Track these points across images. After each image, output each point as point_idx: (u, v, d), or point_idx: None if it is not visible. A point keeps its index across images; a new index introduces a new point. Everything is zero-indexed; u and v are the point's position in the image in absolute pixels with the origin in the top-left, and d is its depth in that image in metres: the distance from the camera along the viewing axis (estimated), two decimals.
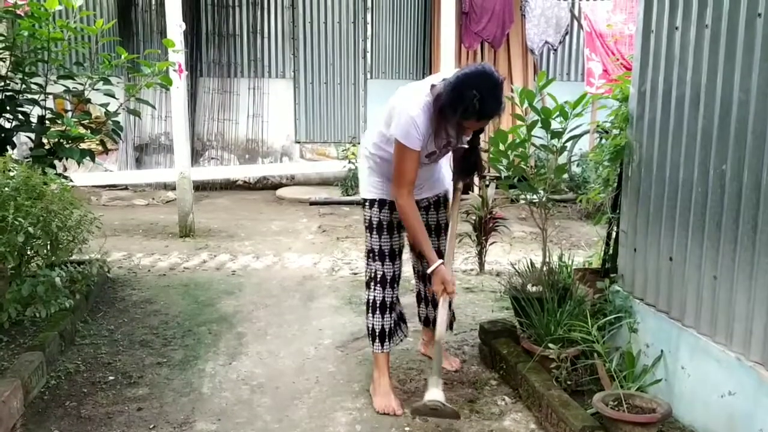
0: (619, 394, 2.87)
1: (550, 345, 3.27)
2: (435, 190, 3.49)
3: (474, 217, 5.41)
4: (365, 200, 3.37)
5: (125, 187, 9.33)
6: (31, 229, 3.55)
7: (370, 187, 3.35)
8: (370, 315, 3.37)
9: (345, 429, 3.07)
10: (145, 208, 8.54)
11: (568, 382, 3.18)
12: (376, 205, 3.32)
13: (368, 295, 3.39)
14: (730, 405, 2.64)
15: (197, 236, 6.88)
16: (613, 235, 3.67)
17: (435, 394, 2.97)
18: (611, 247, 3.70)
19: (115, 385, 3.48)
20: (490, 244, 5.54)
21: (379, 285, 3.35)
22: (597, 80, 8.04)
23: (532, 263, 4.02)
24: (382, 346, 3.35)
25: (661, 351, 3.07)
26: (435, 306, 3.38)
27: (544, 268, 3.83)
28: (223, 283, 5.27)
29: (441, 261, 3.18)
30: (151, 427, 3.06)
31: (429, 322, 3.73)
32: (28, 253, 3.98)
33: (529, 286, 3.79)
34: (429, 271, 3.18)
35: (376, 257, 3.34)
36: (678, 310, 2.99)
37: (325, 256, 6.17)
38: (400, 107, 3.06)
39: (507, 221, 5.80)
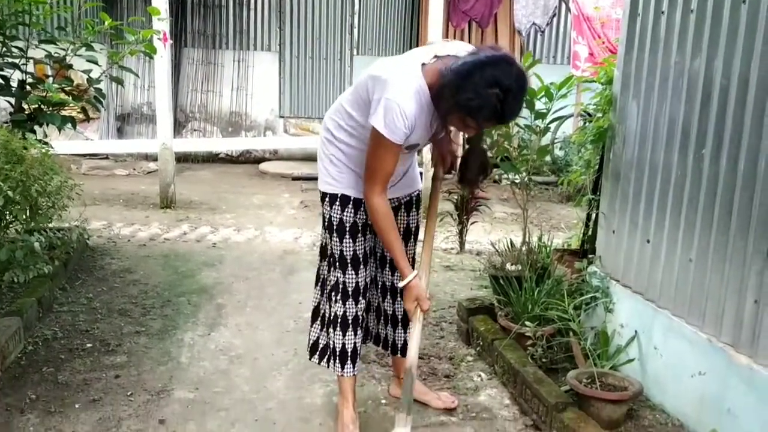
0: (592, 372, 2.92)
1: (527, 323, 3.31)
2: (408, 189, 2.92)
3: (456, 197, 5.44)
4: (324, 194, 2.79)
5: (106, 157, 9.24)
6: (10, 193, 3.52)
7: (329, 179, 2.77)
8: (331, 330, 2.87)
9: (322, 400, 3.10)
10: (125, 178, 8.47)
11: (543, 360, 3.23)
12: (338, 202, 2.75)
13: (330, 307, 2.88)
14: (701, 385, 2.70)
15: (178, 208, 6.85)
16: (593, 217, 3.71)
17: None
18: (590, 229, 3.74)
19: (92, 352, 3.48)
20: (471, 223, 5.57)
21: (340, 296, 2.82)
22: (583, 63, 8.05)
23: (512, 243, 4.06)
24: (343, 368, 2.83)
25: (635, 331, 3.12)
26: (394, 324, 3.06)
27: (524, 248, 3.87)
28: (203, 255, 5.26)
29: (415, 273, 2.67)
30: (128, 394, 3.07)
31: (396, 348, 3.11)
32: (7, 217, 3.94)
33: (508, 265, 3.83)
34: (401, 285, 2.68)
35: (337, 264, 2.80)
36: (653, 292, 3.04)
37: (307, 231, 6.17)
38: (384, 91, 2.43)
39: (489, 201, 5.83)
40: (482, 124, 2.42)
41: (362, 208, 2.75)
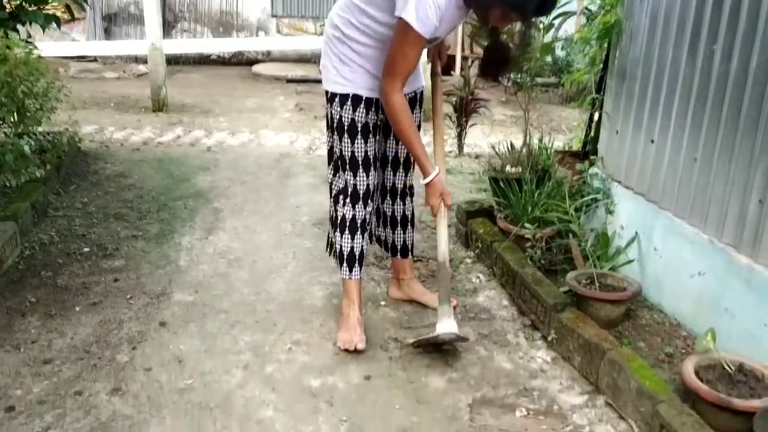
0: (591, 273, 2.92)
1: (527, 225, 3.29)
2: (411, 86, 2.79)
3: (455, 98, 5.32)
4: (333, 95, 2.70)
5: (94, 59, 9.00)
6: None
7: (340, 79, 2.67)
8: (338, 235, 2.83)
9: (321, 302, 3.11)
10: (115, 81, 8.29)
11: (542, 262, 3.22)
12: (349, 102, 2.66)
13: (336, 211, 2.85)
14: (699, 285, 2.70)
15: (170, 111, 6.72)
16: (595, 117, 3.63)
17: (449, 325, 2.65)
18: (593, 130, 3.67)
19: (90, 256, 3.47)
20: (470, 126, 5.48)
21: (349, 199, 2.79)
22: None
23: (512, 145, 3.99)
24: (351, 271, 2.85)
25: (636, 233, 3.11)
26: (393, 226, 3.06)
27: (524, 150, 3.80)
28: (198, 159, 5.19)
29: (438, 170, 2.67)
30: (128, 297, 3.08)
31: (396, 250, 3.11)
32: None
33: (508, 168, 3.78)
34: (424, 182, 2.66)
35: (347, 166, 2.75)
36: (655, 193, 3.00)
37: (302, 134, 6.08)
38: None
39: (488, 103, 5.71)
40: (527, 17, 2.39)
41: (373, 108, 2.69)
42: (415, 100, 2.87)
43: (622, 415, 2.34)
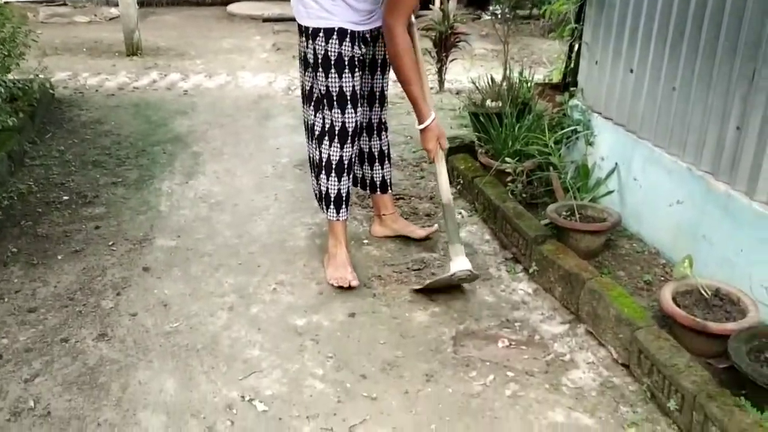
0: (572, 205, 2.94)
1: (507, 159, 3.28)
2: (377, 23, 2.73)
3: (434, 33, 5.22)
4: (317, 30, 2.62)
5: (63, 3, 8.74)
6: None
7: (323, 13, 2.59)
8: (324, 177, 2.79)
9: (304, 243, 3.12)
10: (87, 26, 8.07)
11: (524, 195, 3.24)
12: (334, 36, 2.59)
13: (320, 153, 2.79)
14: (678, 213, 2.73)
15: (145, 55, 6.58)
16: (575, 48, 3.59)
17: (462, 263, 2.66)
18: (572, 61, 3.63)
19: (70, 204, 3.44)
20: (451, 61, 5.40)
21: (337, 139, 2.73)
22: None
23: (492, 79, 3.95)
24: (338, 212, 2.82)
25: (616, 163, 3.11)
26: (371, 162, 3.05)
27: (505, 84, 3.77)
28: (175, 103, 5.11)
29: (434, 116, 2.68)
30: (110, 244, 3.07)
31: (375, 186, 3.09)
32: None
33: (488, 102, 3.75)
34: (421, 126, 2.68)
35: (334, 102, 2.68)
36: (635, 123, 3.00)
37: (281, 74, 5.99)
38: None
39: (468, 37, 5.63)
40: None
41: (357, 42, 2.65)
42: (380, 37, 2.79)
43: (601, 342, 2.39)
